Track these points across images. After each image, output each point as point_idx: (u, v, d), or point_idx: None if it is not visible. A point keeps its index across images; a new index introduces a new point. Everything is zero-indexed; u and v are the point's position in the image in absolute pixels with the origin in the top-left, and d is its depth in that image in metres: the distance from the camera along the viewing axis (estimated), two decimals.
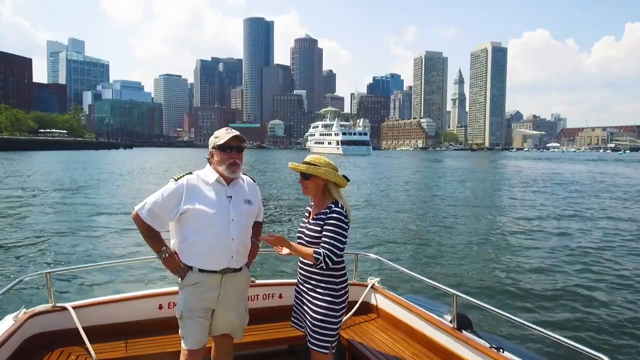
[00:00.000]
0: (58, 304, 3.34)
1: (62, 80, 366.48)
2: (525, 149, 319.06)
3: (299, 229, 2.89)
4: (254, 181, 2.94)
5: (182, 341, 2.71)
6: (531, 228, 13.90)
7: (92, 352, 3.06)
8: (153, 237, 2.62)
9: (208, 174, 2.71)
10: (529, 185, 32.16)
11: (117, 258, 9.11)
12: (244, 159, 2.76)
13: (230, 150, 2.67)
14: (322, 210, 2.75)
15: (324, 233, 2.67)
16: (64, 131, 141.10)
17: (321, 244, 2.66)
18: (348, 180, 2.82)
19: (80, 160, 61.44)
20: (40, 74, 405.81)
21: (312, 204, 2.91)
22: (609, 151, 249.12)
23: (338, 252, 2.65)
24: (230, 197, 2.70)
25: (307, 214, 2.92)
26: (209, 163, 2.75)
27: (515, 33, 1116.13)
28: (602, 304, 7.06)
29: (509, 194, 25.73)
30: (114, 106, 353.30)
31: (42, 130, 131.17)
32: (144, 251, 9.86)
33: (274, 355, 3.67)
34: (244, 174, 2.86)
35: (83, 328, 3.16)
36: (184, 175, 2.65)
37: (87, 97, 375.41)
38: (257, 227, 2.94)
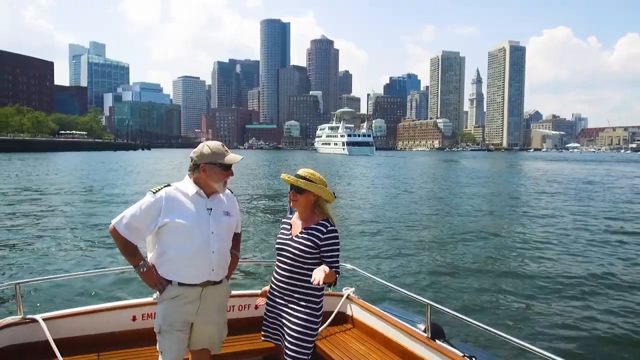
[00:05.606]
0: (28, 316, 3.25)
1: (84, 82, 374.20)
2: (544, 150, 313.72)
3: (279, 242, 2.85)
4: (232, 192, 2.92)
5: (160, 356, 2.67)
6: (511, 238, 13.45)
7: None
8: (131, 251, 2.59)
9: (187, 187, 2.67)
10: (524, 189, 32.01)
11: (90, 269, 9.12)
12: None
13: (229, 169, 2.70)
14: (313, 226, 2.76)
15: (327, 254, 2.71)
16: (84, 133, 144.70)
17: (329, 263, 2.69)
18: (335, 197, 2.88)
19: (94, 162, 61.69)
20: (62, 77, 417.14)
21: (291, 215, 2.93)
22: (629, 151, 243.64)
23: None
24: (210, 209, 2.68)
25: (287, 227, 2.90)
26: (189, 174, 2.71)
27: (535, 31, 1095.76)
28: (576, 313, 7.06)
29: (500, 199, 24.90)
30: (133, 108, 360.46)
31: (62, 132, 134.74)
32: (118, 262, 9.55)
33: None
34: None
35: (54, 340, 3.06)
36: (162, 188, 2.63)
37: (108, 99, 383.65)
38: (235, 238, 2.96)
